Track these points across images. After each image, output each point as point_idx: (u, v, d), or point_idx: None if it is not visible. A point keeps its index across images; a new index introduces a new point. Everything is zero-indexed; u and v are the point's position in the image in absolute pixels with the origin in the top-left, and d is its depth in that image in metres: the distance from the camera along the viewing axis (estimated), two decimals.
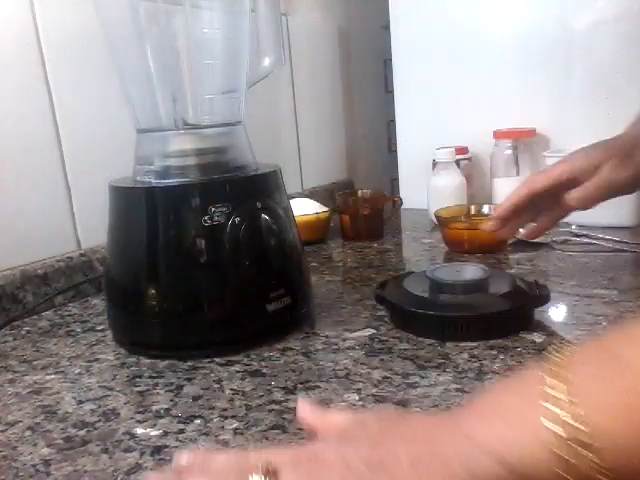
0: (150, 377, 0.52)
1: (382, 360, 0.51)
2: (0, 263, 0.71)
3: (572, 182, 0.63)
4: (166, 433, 0.42)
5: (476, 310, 0.55)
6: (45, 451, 0.41)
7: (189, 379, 0.51)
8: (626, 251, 0.78)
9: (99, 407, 0.47)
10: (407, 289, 0.59)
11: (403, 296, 0.58)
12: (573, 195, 0.62)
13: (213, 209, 0.53)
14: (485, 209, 0.90)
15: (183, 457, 0.34)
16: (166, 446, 0.41)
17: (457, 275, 0.59)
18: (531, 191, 0.64)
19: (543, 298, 0.56)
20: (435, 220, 0.93)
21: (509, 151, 1.01)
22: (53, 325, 0.68)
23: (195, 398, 0.47)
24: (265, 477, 0.30)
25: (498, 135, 1.02)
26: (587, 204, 0.63)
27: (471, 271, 0.60)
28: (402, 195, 1.13)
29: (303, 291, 0.61)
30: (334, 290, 0.72)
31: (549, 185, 0.63)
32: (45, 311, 0.72)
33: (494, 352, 0.51)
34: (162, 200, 0.55)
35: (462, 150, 1.08)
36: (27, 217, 0.73)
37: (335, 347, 0.55)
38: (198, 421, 0.44)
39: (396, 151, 1.24)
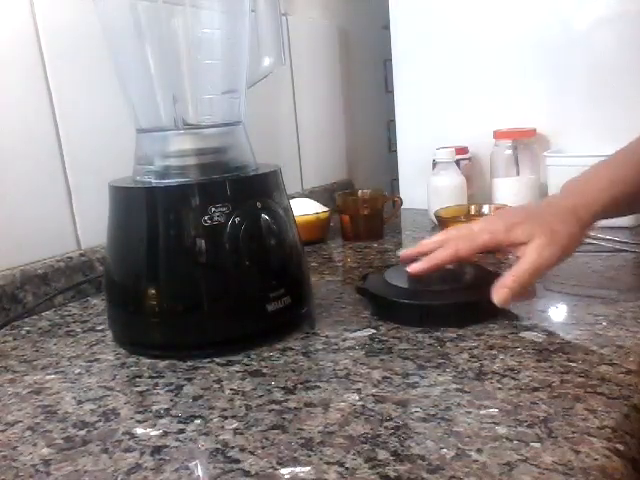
0: (150, 377, 0.52)
1: (382, 360, 0.51)
2: (0, 263, 0.71)
3: (498, 248, 0.63)
4: (166, 433, 0.42)
5: (451, 299, 0.59)
6: (45, 451, 0.41)
7: (189, 379, 0.51)
8: (626, 251, 0.78)
9: (99, 407, 0.47)
10: (387, 280, 0.63)
11: (383, 287, 0.62)
12: (500, 296, 0.56)
13: (213, 209, 0.53)
14: (485, 209, 0.90)
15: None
16: (166, 446, 0.41)
17: None
18: (452, 259, 0.60)
19: None
20: (435, 220, 0.93)
21: (509, 151, 1.01)
22: (53, 325, 0.68)
23: (195, 398, 0.47)
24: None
25: (498, 135, 1.02)
26: (520, 297, 0.58)
27: None
28: (402, 195, 1.13)
29: (303, 291, 0.61)
30: (334, 290, 0.72)
31: (473, 255, 0.61)
32: (45, 311, 0.73)
33: (494, 352, 0.51)
34: (162, 200, 0.55)
35: (462, 150, 1.08)
36: (27, 217, 0.73)
37: (335, 347, 0.55)
38: (198, 421, 0.44)
39: (396, 151, 1.24)
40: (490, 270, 0.66)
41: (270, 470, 0.37)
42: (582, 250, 0.80)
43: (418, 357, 0.51)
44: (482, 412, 0.42)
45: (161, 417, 0.45)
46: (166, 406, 0.46)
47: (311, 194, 1.18)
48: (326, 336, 0.58)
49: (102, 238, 0.60)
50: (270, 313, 0.56)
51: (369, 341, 0.56)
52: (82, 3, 0.76)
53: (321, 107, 1.27)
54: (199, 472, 0.38)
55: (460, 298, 0.59)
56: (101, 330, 0.65)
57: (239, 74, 0.61)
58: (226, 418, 0.44)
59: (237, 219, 0.54)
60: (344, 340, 0.56)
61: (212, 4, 0.59)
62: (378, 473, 0.36)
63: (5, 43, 0.70)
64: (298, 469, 0.37)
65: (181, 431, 0.43)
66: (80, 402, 0.48)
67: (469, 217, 0.89)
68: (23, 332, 0.66)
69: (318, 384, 0.48)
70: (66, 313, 0.72)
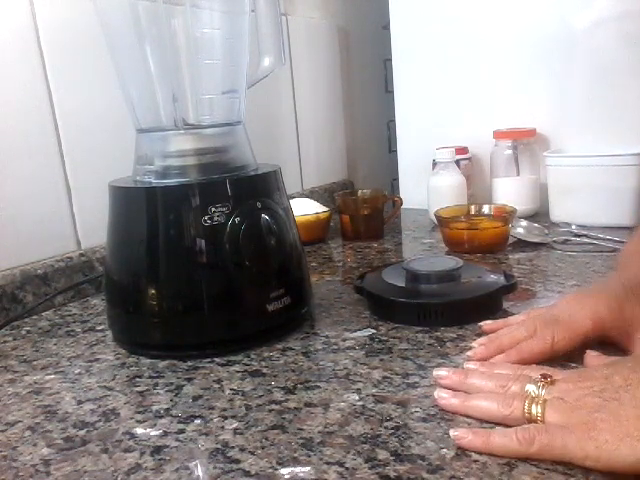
0: (150, 377, 0.52)
1: (382, 360, 0.51)
2: (0, 263, 0.71)
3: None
4: (166, 433, 0.42)
5: (448, 297, 0.59)
6: (45, 451, 0.41)
7: (189, 379, 0.51)
8: None
9: (99, 407, 0.47)
10: (385, 279, 0.63)
11: (381, 286, 0.62)
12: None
13: (213, 209, 0.53)
14: (485, 209, 0.90)
15: (470, 363, 0.47)
16: (166, 446, 0.41)
17: (431, 266, 0.63)
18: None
19: (510, 286, 0.60)
20: (435, 220, 0.93)
21: (509, 151, 1.01)
22: (53, 325, 0.68)
23: (195, 398, 0.47)
24: (541, 384, 0.39)
25: (498, 135, 1.02)
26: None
27: (444, 262, 0.64)
28: (402, 195, 1.13)
29: (303, 291, 0.61)
30: (334, 290, 0.72)
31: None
32: (45, 311, 0.73)
33: None
34: (162, 200, 0.55)
35: (462, 150, 1.08)
36: (27, 217, 0.73)
37: (335, 347, 0.55)
38: (198, 421, 0.44)
39: (396, 151, 1.24)
40: (487, 268, 0.66)
41: (270, 470, 0.37)
42: (582, 250, 0.80)
43: (418, 357, 0.51)
44: None
45: (161, 417, 0.45)
46: (166, 406, 0.46)
47: (311, 194, 1.18)
48: (326, 336, 0.58)
49: (102, 238, 0.60)
50: (270, 313, 0.56)
51: (369, 341, 0.56)
52: (82, 3, 0.76)
53: (321, 107, 1.27)
54: (199, 472, 0.38)
55: (458, 296, 0.59)
56: (101, 330, 0.65)
57: (239, 74, 0.61)
58: (226, 418, 0.44)
59: (237, 219, 0.54)
60: (344, 340, 0.56)
61: (212, 4, 0.59)
62: (378, 473, 0.36)
63: (5, 43, 0.70)
64: (298, 469, 0.37)
65: (181, 431, 0.43)
66: (80, 402, 0.48)
67: (469, 217, 0.89)
68: (23, 332, 0.66)
69: (318, 384, 0.48)
70: (66, 313, 0.72)
